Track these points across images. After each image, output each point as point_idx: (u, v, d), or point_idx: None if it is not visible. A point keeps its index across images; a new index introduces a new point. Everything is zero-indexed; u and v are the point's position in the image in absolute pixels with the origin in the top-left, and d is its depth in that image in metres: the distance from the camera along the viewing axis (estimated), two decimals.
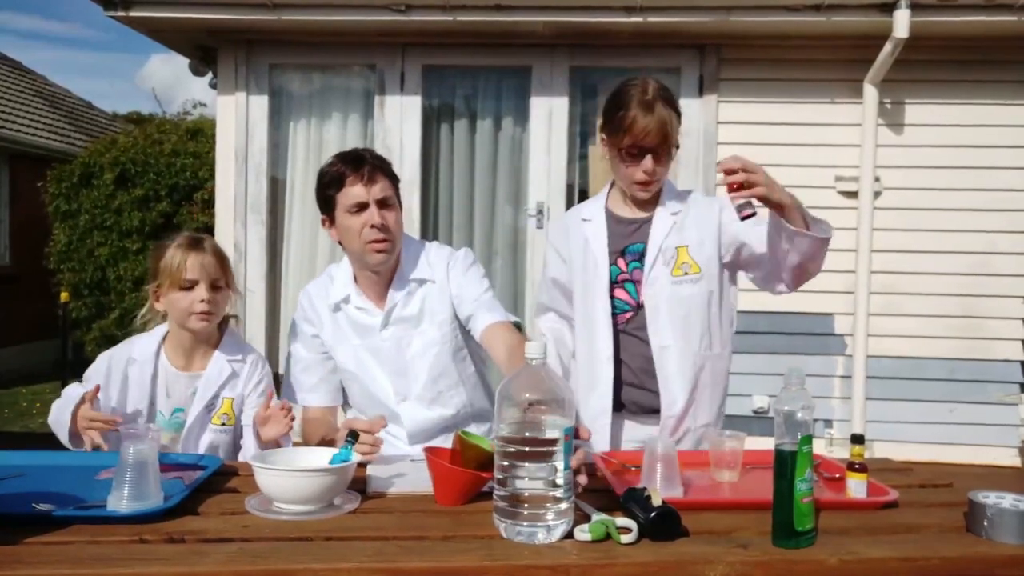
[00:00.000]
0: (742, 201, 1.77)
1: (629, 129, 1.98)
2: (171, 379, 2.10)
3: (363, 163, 2.02)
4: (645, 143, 1.99)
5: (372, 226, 1.99)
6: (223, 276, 2.09)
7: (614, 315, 2.10)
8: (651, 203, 2.12)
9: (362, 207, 2.00)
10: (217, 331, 2.14)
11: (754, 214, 1.79)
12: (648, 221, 2.11)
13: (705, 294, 2.08)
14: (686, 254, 2.06)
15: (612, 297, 2.11)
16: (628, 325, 2.11)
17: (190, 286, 2.03)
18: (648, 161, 2.01)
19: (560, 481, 1.31)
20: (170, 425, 2.09)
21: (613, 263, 2.12)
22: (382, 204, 2.02)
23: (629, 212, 2.15)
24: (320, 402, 2.17)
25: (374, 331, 2.11)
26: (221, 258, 2.11)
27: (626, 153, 2.02)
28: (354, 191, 2.00)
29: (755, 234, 2.01)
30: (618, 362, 2.11)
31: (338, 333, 2.14)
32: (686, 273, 2.05)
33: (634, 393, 2.11)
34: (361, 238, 2.01)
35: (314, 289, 2.20)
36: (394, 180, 2.10)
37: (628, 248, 2.12)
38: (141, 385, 2.07)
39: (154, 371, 2.09)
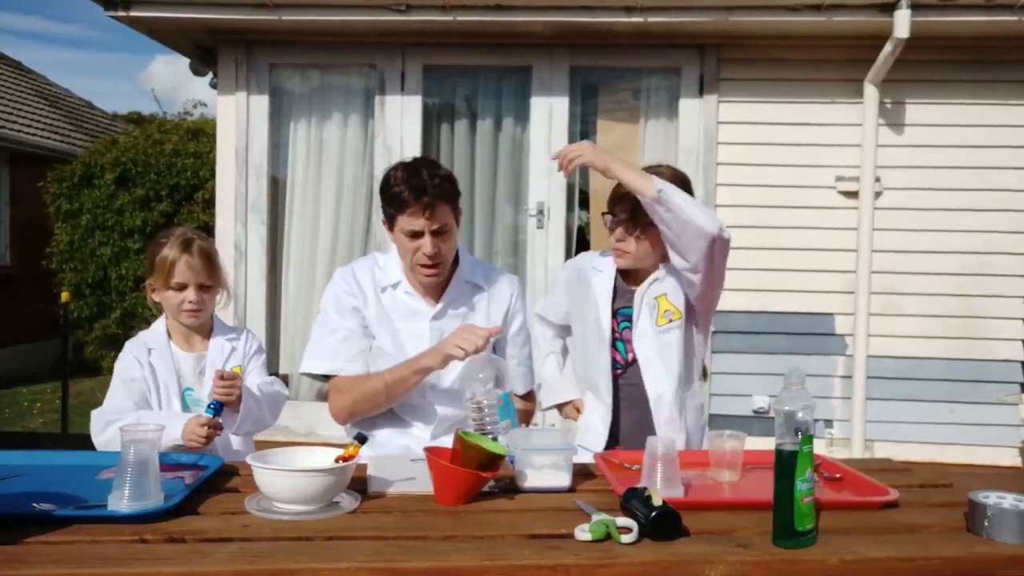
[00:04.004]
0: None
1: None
2: (181, 361, 2.24)
3: (424, 193, 2.03)
4: (617, 212, 2.18)
5: (424, 254, 2.08)
6: (210, 277, 2.22)
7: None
8: (649, 273, 2.25)
9: (417, 235, 2.07)
10: (210, 317, 2.30)
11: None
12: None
13: (683, 336, 2.21)
14: (667, 301, 2.19)
15: None
16: (622, 380, 2.24)
17: (179, 287, 2.18)
18: (621, 230, 2.18)
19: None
20: (192, 404, 2.23)
21: None
22: (437, 233, 2.08)
23: (629, 281, 2.27)
24: (359, 372, 2.16)
25: (422, 318, 2.17)
26: (209, 260, 2.22)
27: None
28: (412, 220, 2.05)
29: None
30: (615, 411, 2.26)
31: (381, 314, 2.18)
32: (670, 320, 2.18)
33: (631, 440, 2.21)
34: (413, 260, 2.10)
35: (359, 268, 2.23)
36: (455, 200, 2.14)
37: (620, 310, 2.25)
38: (167, 368, 2.21)
39: (171, 355, 2.23)
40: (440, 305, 2.18)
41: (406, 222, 2.06)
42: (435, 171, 2.08)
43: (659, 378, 2.19)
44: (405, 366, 2.06)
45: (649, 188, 1.99)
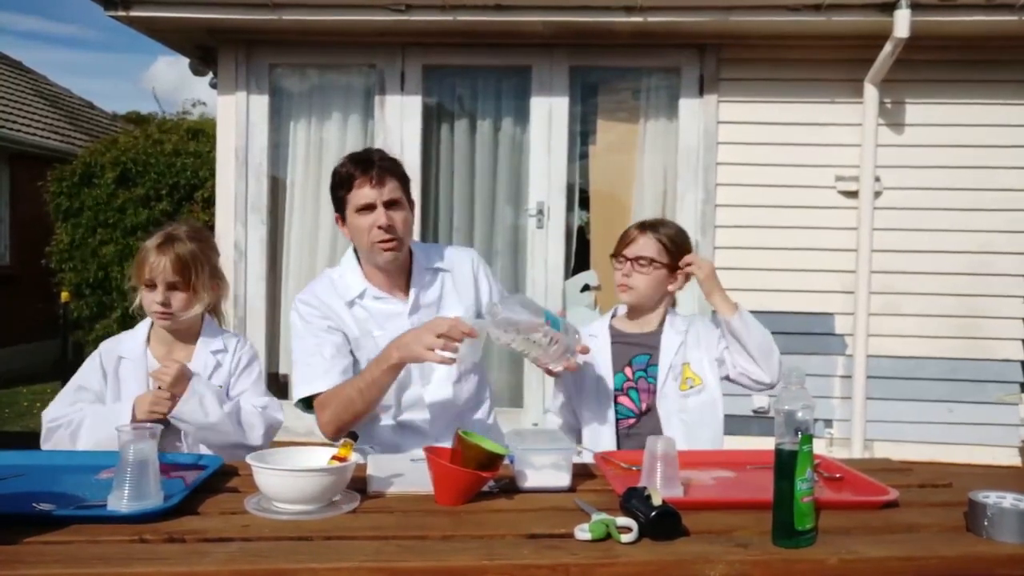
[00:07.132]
0: None
1: (620, 240, 2.27)
2: None
3: (372, 165, 2.07)
4: (627, 253, 2.24)
5: (379, 227, 2.05)
6: (181, 279, 2.07)
7: (617, 420, 2.24)
8: (654, 319, 2.29)
9: (370, 208, 2.06)
10: (199, 321, 2.16)
11: None
12: (654, 336, 2.28)
13: (709, 401, 2.27)
14: (689, 370, 2.27)
15: (616, 403, 2.25)
16: (632, 430, 2.23)
17: (151, 286, 2.08)
18: (628, 266, 2.23)
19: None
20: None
21: (620, 371, 2.26)
22: (389, 205, 2.07)
23: (634, 328, 2.31)
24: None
25: (399, 318, 2.14)
26: (183, 261, 2.07)
27: (616, 262, 2.28)
28: (363, 192, 2.06)
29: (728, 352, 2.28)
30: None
31: (360, 327, 2.14)
32: (691, 387, 2.24)
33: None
34: (369, 237, 2.07)
35: (320, 290, 2.18)
36: (404, 181, 2.14)
37: (634, 359, 2.27)
38: (138, 382, 2.09)
39: (146, 366, 2.11)
40: (411, 298, 2.16)
41: (357, 197, 2.06)
42: (380, 151, 2.14)
43: (675, 435, 2.14)
44: (375, 365, 1.98)
45: (731, 310, 2.17)
